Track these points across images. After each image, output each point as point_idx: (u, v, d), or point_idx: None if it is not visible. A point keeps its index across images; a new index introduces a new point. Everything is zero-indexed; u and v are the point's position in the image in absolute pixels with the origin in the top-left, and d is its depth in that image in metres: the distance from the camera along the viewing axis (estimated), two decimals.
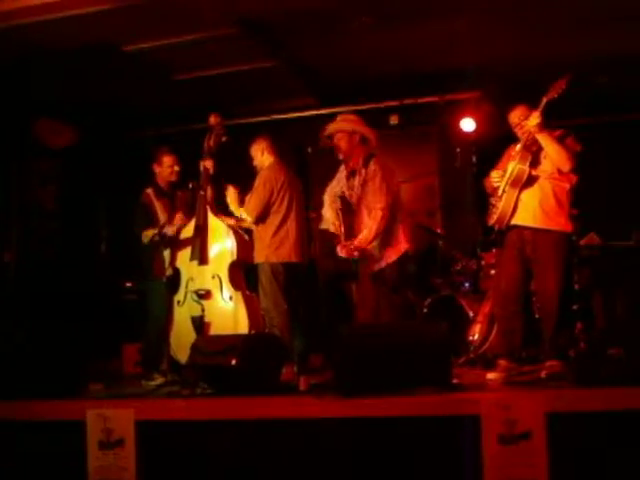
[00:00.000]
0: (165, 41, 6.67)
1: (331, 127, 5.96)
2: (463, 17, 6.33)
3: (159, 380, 5.94)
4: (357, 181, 5.92)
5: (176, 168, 6.56)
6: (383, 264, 5.80)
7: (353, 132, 5.91)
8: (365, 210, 5.84)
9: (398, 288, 5.83)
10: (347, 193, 5.97)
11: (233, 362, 4.82)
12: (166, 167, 6.56)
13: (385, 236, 5.79)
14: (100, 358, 6.77)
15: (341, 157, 5.97)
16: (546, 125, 5.26)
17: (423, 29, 6.70)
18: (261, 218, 6.25)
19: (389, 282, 5.79)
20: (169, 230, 6.29)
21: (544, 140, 5.23)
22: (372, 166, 5.85)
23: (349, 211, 5.92)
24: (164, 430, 4.50)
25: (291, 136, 7.51)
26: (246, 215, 6.29)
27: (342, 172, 6.08)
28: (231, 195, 6.37)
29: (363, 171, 5.88)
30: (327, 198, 6.10)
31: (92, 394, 5.53)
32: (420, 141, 8.55)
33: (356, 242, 5.78)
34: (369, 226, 5.77)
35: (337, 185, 6.07)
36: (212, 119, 6.33)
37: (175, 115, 8.31)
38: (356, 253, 5.77)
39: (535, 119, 5.20)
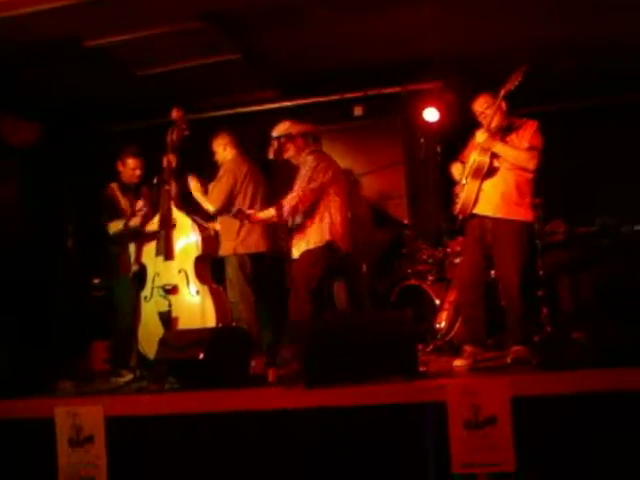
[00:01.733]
0: (128, 36, 6.62)
1: (274, 142, 5.99)
2: (425, 7, 6.33)
3: (128, 376, 5.90)
4: None
5: (137, 172, 6.64)
6: (297, 253, 5.86)
7: (294, 136, 5.98)
8: None
9: (308, 280, 5.77)
10: None
11: (201, 356, 4.84)
12: (129, 169, 6.64)
13: (307, 227, 5.83)
14: (69, 355, 6.73)
15: (294, 163, 6.04)
16: (509, 113, 5.33)
17: (386, 19, 6.69)
18: (224, 209, 6.29)
19: (298, 272, 5.79)
20: (133, 221, 6.29)
21: (500, 150, 5.27)
22: (308, 157, 5.95)
23: None
24: (134, 426, 4.51)
25: (255, 129, 7.50)
26: (209, 205, 6.31)
27: None
28: (193, 184, 6.39)
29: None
30: None
31: (61, 391, 5.52)
32: (384, 132, 8.53)
33: (259, 212, 6.06)
34: (281, 202, 5.82)
35: None
36: (174, 113, 6.30)
37: (140, 110, 8.25)
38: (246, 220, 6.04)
39: (482, 136, 5.26)
